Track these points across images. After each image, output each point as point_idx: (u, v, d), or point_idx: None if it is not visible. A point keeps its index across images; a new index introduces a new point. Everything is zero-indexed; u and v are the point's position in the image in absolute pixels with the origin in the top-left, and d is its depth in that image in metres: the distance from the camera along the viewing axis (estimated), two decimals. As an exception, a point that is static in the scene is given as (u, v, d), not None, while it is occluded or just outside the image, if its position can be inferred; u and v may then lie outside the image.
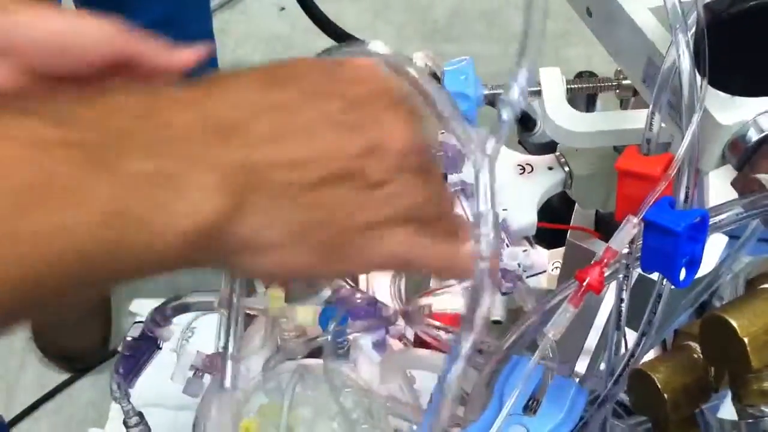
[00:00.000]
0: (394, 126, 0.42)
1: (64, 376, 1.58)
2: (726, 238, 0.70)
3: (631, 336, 0.59)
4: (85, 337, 1.55)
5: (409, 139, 0.43)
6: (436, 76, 0.75)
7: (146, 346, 0.78)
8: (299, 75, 0.43)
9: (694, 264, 0.53)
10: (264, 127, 0.40)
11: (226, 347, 0.75)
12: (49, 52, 0.55)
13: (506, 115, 0.56)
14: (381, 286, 0.86)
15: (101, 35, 0.54)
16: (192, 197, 0.37)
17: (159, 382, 0.84)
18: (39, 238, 0.33)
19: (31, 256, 0.33)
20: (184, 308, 0.78)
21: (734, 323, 0.50)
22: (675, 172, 0.52)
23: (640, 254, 0.53)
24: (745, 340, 0.49)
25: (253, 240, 0.40)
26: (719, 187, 0.69)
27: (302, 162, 0.40)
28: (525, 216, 0.69)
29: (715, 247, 0.67)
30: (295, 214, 0.40)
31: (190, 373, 0.79)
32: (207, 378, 0.80)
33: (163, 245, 0.36)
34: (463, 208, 0.64)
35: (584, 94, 0.89)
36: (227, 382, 0.70)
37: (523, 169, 0.72)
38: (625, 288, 0.57)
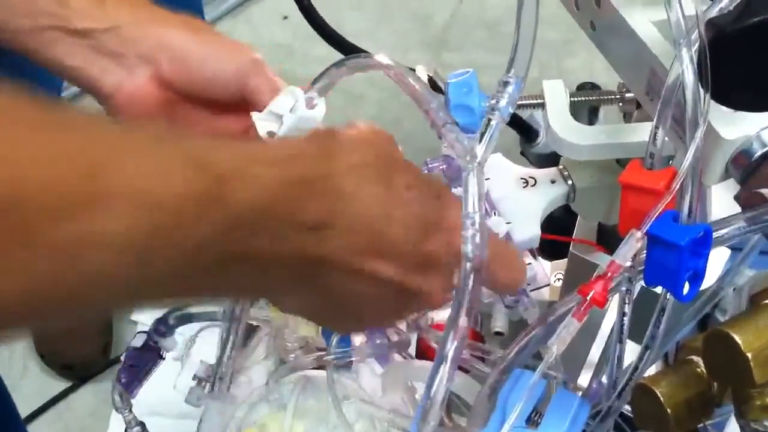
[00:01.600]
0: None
1: (65, 384, 1.58)
2: (728, 251, 0.70)
3: (634, 349, 0.59)
4: (86, 345, 1.55)
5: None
6: (438, 88, 0.75)
7: (149, 356, 0.78)
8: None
9: (697, 278, 0.52)
10: None
11: (221, 358, 0.75)
12: (193, 75, 0.59)
13: (495, 120, 0.57)
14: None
15: (239, 69, 0.58)
16: None
17: (161, 391, 0.85)
18: None
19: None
20: (187, 318, 0.78)
21: (738, 338, 0.50)
22: (678, 186, 0.52)
23: (643, 267, 0.53)
24: (749, 355, 0.49)
25: None
26: (722, 201, 0.69)
27: None
28: (528, 229, 0.69)
29: (717, 259, 0.67)
30: None
31: (193, 383, 0.79)
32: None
33: None
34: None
35: (587, 106, 0.90)
36: (223, 392, 0.70)
37: (527, 182, 0.72)
38: (627, 301, 0.57)
